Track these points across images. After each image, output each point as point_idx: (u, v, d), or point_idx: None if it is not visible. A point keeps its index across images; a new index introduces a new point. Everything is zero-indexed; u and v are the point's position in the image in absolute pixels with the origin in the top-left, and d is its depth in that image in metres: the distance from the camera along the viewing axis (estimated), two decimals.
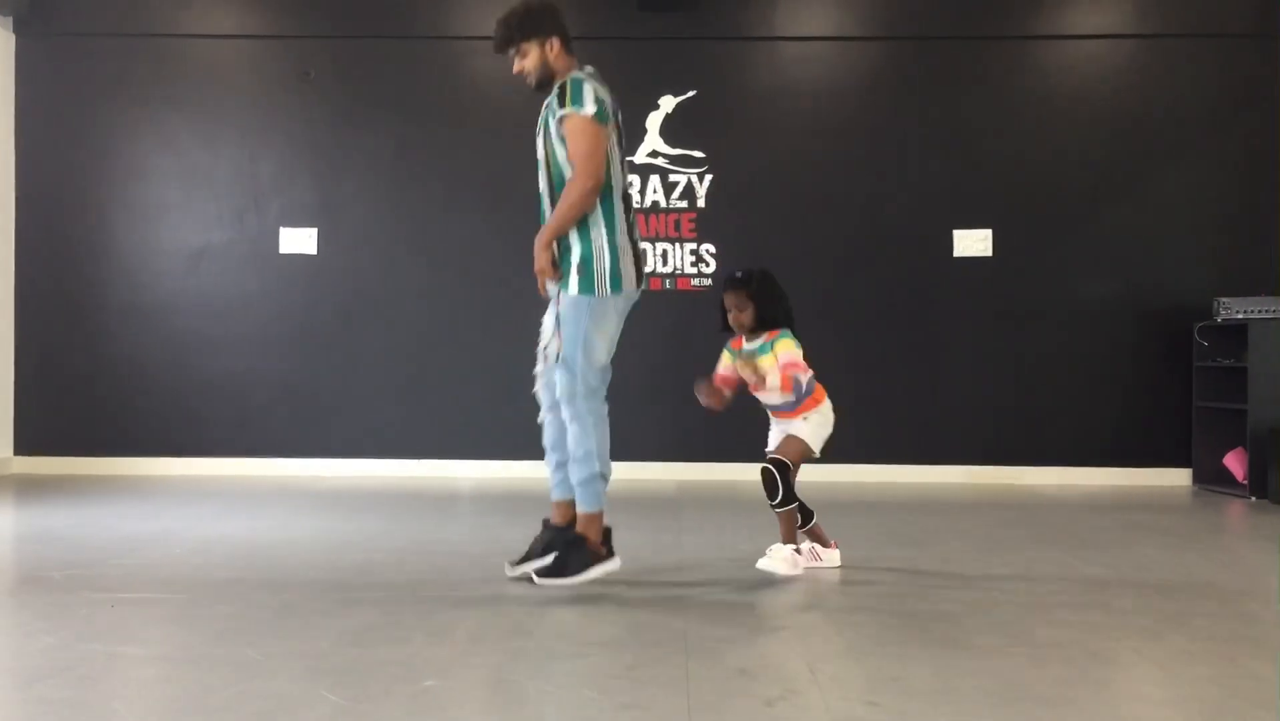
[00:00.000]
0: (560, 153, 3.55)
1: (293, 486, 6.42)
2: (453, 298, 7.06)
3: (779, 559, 3.78)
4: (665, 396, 6.55)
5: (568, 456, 3.60)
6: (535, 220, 3.69)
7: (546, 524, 3.73)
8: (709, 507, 5.53)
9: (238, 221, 7.11)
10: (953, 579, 3.79)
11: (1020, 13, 7.01)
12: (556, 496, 3.71)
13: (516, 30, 3.56)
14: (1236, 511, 5.76)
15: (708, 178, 6.97)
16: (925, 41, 7.03)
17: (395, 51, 7.13)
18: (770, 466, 3.76)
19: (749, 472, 6.56)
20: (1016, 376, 6.92)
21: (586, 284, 3.53)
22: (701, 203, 6.97)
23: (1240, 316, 6.34)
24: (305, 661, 2.71)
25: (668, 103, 7.00)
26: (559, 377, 3.55)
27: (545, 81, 3.58)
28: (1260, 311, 6.32)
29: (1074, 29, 7.00)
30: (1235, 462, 6.45)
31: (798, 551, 3.83)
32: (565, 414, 3.56)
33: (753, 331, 3.86)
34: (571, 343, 3.52)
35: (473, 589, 3.59)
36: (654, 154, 6.99)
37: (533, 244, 3.59)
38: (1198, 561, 4.23)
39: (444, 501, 5.90)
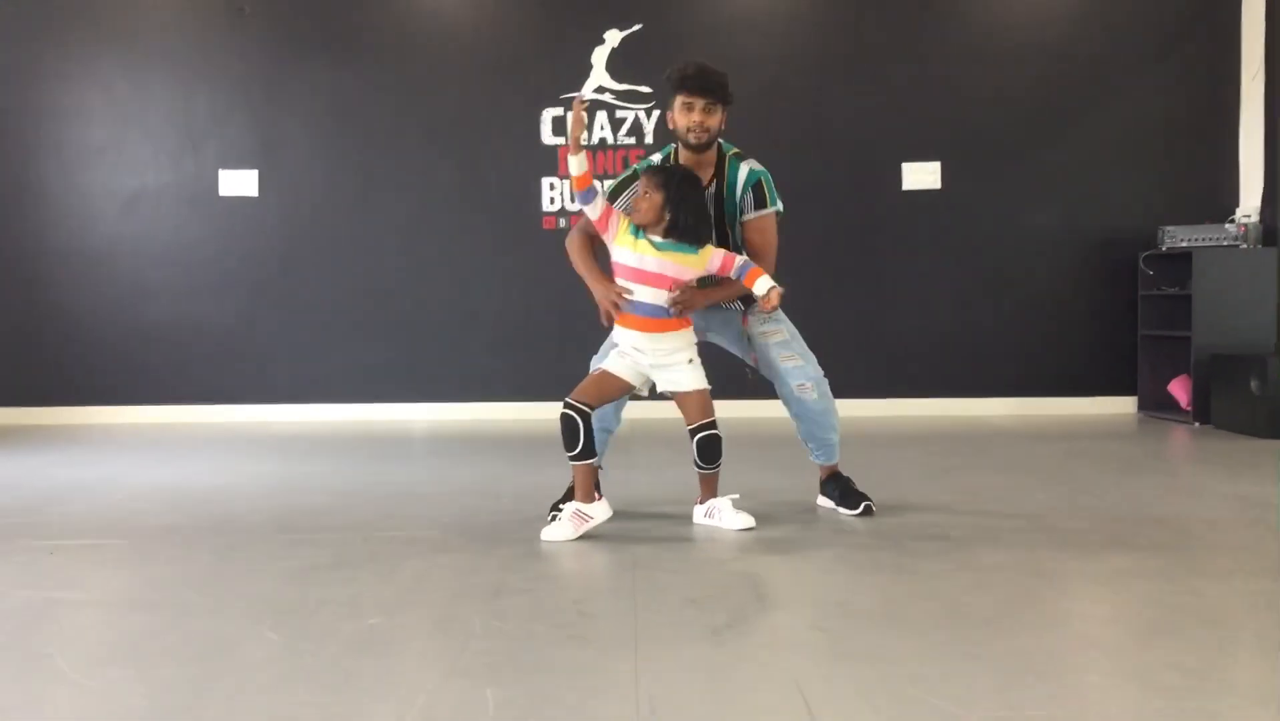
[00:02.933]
0: (737, 233, 3.70)
1: (238, 433, 6.33)
2: (398, 239, 6.95)
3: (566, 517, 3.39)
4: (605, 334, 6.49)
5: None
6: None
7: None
8: (656, 445, 5.52)
9: (174, 164, 6.92)
10: (898, 508, 3.81)
11: None
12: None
13: (727, 93, 3.64)
14: (1180, 437, 5.85)
15: (655, 113, 6.88)
16: None
17: None
18: (715, 434, 3.52)
19: None
20: (964, 309, 6.95)
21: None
22: (649, 139, 6.88)
23: (1185, 245, 6.40)
24: (247, 602, 2.68)
25: (613, 37, 6.88)
26: (809, 368, 3.71)
27: (709, 145, 3.66)
28: (1204, 240, 6.37)
29: None
30: (1179, 389, 6.55)
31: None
32: (816, 392, 3.72)
33: (656, 228, 3.42)
34: (798, 339, 3.77)
35: (421, 529, 3.56)
36: (600, 90, 6.88)
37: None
38: (1141, 486, 4.29)
39: (394, 444, 5.84)
